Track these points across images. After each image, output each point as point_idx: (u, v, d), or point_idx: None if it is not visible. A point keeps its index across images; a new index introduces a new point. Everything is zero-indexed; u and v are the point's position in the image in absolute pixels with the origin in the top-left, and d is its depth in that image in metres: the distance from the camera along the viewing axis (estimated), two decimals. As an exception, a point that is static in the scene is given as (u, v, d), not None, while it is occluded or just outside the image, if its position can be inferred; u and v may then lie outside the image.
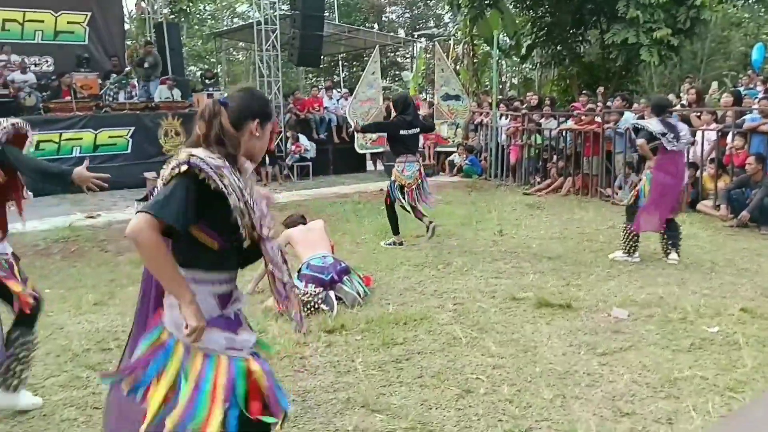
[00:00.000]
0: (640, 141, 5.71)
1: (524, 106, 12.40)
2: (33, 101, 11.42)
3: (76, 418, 3.02)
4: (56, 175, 3.03)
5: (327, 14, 16.77)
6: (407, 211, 6.73)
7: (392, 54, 30.56)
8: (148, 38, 15.31)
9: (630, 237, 5.90)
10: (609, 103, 10.62)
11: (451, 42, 20.71)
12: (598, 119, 10.02)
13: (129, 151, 12.07)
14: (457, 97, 13.85)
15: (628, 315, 4.38)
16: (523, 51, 17.49)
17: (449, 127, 13.96)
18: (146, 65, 13.40)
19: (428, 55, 22.05)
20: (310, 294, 4.47)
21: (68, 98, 11.65)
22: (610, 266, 5.77)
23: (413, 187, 6.59)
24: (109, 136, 11.79)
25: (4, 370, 3.02)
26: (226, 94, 2.15)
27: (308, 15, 13.76)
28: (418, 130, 6.77)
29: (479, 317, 4.38)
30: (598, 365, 3.56)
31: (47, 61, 14.02)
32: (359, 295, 4.70)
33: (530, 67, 21.99)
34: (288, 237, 4.99)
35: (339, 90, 17.19)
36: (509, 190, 11.21)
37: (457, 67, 18.08)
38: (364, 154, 14.71)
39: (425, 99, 16.54)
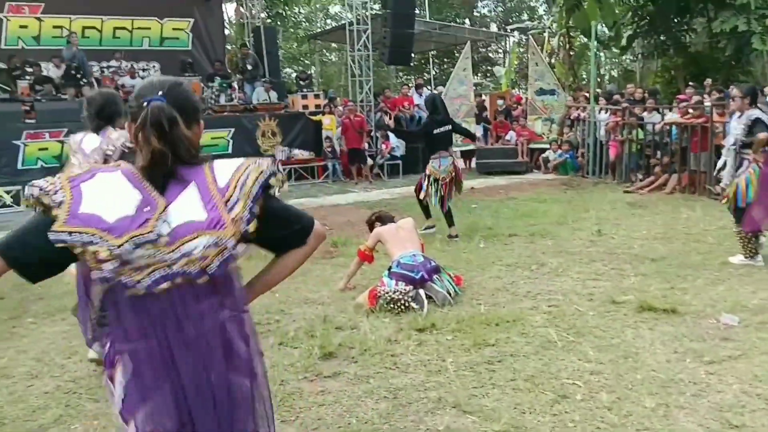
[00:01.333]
0: (764, 135, 5.29)
1: (624, 99, 11.86)
2: (142, 105, 12.17)
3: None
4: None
5: (418, 12, 16.77)
6: (428, 205, 7.20)
7: (484, 49, 30.17)
8: (245, 42, 15.94)
9: (746, 239, 5.49)
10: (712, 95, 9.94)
11: (546, 35, 20.15)
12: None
13: (229, 151, 12.63)
14: (552, 92, 13.47)
15: (738, 321, 4.08)
16: (624, 42, 16.73)
17: (543, 123, 13.58)
18: (249, 67, 13.97)
19: (521, 49, 21.58)
20: (401, 292, 4.48)
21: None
22: (719, 269, 5.40)
23: (447, 180, 6.96)
24: (211, 137, 12.38)
25: None
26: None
27: (399, 13, 13.83)
28: (449, 127, 7.16)
29: (576, 320, 4.22)
30: (705, 374, 3.34)
31: (154, 66, 14.93)
32: (450, 294, 4.66)
33: (631, 58, 21.04)
34: (378, 235, 5.03)
35: (429, 87, 17.16)
36: (608, 187, 10.75)
37: (552, 60, 17.60)
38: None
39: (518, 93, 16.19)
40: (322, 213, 9.05)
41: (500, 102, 15.43)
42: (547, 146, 13.29)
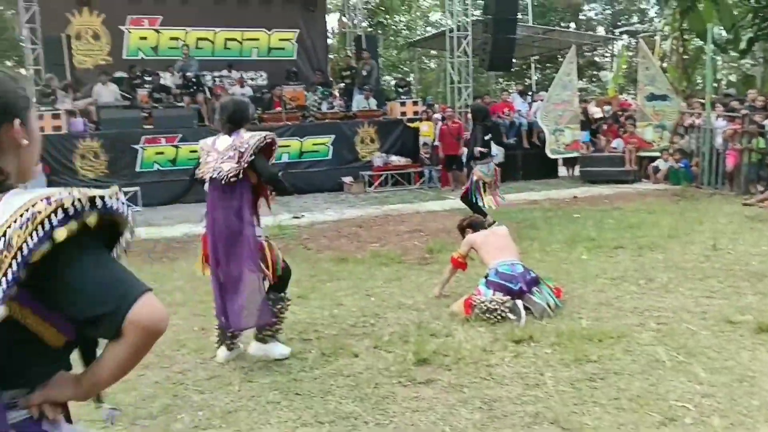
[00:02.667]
0: None
1: (744, 106, 11.03)
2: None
3: (279, 401, 3.27)
4: (278, 183, 3.86)
5: (520, 17, 16.47)
6: (480, 205, 7.57)
7: (590, 53, 29.11)
8: (348, 52, 16.31)
9: None
10: None
11: (657, 38, 19.14)
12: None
13: (330, 157, 12.96)
14: (664, 97, 12.77)
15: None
16: (743, 45, 15.58)
17: (654, 130, 12.89)
18: (364, 73, 14.30)
19: (630, 53, 20.64)
20: (497, 302, 4.38)
21: (279, 109, 12.84)
22: None
23: (490, 181, 7.68)
24: (313, 144, 12.76)
25: (262, 325, 3.75)
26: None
27: (501, 19, 13.65)
28: (490, 135, 7.88)
29: (686, 340, 3.95)
30: (838, 406, 3.02)
31: (261, 76, 15.61)
32: (549, 307, 4.50)
33: (751, 63, 19.56)
34: (471, 242, 4.95)
35: (530, 93, 16.79)
36: (725, 199, 10.03)
37: (664, 64, 16.67)
38: (556, 159, 14.16)
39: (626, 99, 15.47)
40: (418, 219, 9.07)
41: (607, 108, 14.83)
42: (658, 154, 12.61)
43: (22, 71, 17.40)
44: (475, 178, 7.61)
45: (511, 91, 17.24)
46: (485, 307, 4.35)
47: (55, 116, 11.28)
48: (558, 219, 8.56)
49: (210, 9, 15.01)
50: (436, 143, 13.03)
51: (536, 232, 7.68)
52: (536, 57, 23.11)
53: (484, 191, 7.60)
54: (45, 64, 13.66)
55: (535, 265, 5.45)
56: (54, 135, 11.19)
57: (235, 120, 3.76)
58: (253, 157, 3.58)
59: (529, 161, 13.96)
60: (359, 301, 5.06)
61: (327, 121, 13.31)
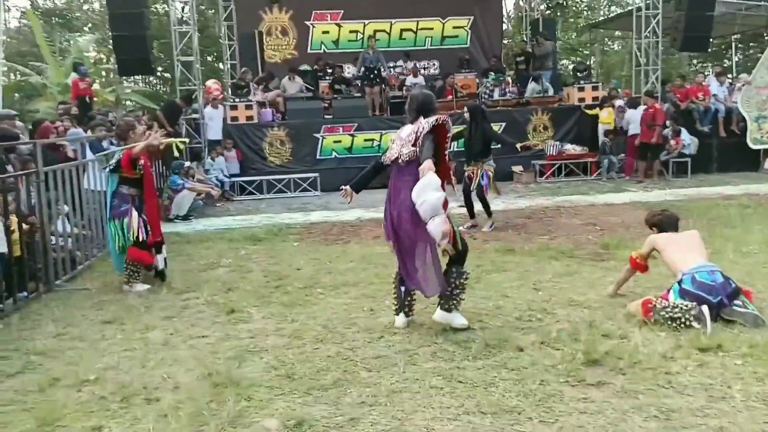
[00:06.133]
0: None
1: None
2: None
3: (442, 387, 3.30)
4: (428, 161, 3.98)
5: (719, -9, 14.82)
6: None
7: (805, 30, 25.38)
8: (523, 37, 15.88)
9: None
10: None
11: None
12: None
13: (499, 145, 12.71)
14: None
15: None
16: None
17: None
18: (540, 57, 13.96)
19: None
20: (681, 309, 4.00)
21: (450, 97, 12.88)
22: None
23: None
24: (484, 131, 12.61)
25: (448, 296, 4.08)
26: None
27: (697, -5, 12.42)
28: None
29: None
30: None
31: (434, 65, 15.79)
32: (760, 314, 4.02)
33: None
34: (653, 243, 4.54)
35: (729, 76, 15.08)
36: None
37: None
38: (758, 151, 12.59)
39: None
40: (593, 212, 8.61)
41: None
42: None
43: (221, 65, 19.32)
44: (490, 173, 7.73)
45: (706, 73, 15.62)
46: (667, 315, 4.01)
47: (248, 107, 12.40)
48: (758, 217, 7.63)
49: (387, 1, 15.46)
50: (632, 130, 12.07)
51: (731, 230, 6.91)
52: (737, 36, 20.72)
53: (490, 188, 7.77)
54: (240, 58, 15.06)
55: (729, 268, 4.90)
56: (247, 124, 12.32)
57: (422, 110, 4.09)
58: (424, 135, 3.92)
59: (726, 151, 12.58)
60: (526, 294, 4.94)
61: (499, 108, 13.10)
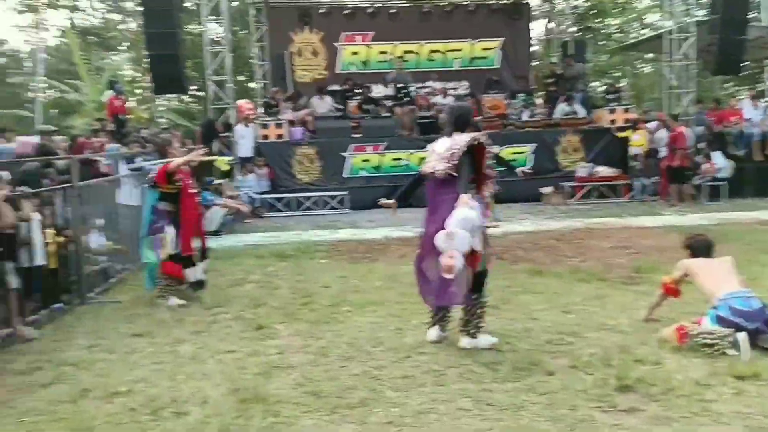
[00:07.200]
0: None
1: None
2: (449, 122, 13.02)
3: (470, 409, 3.26)
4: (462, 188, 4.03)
5: (752, 15, 14.66)
6: None
7: (843, 53, 24.85)
8: (553, 59, 15.86)
9: None
10: None
11: None
12: None
13: (528, 166, 12.67)
14: None
15: None
16: None
17: None
18: (569, 77, 13.91)
19: None
20: (717, 335, 3.89)
21: (478, 118, 12.86)
22: None
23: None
24: (512, 152, 12.56)
25: (467, 320, 4.12)
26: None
27: (729, 19, 12.33)
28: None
29: None
30: None
31: (463, 85, 15.79)
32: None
33: None
34: (685, 268, 4.45)
35: (764, 100, 14.82)
36: None
37: None
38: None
39: None
40: (625, 235, 8.48)
41: None
42: None
43: (252, 85, 19.63)
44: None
45: (740, 97, 15.38)
46: (702, 341, 3.91)
47: (278, 125, 12.58)
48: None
49: (417, 23, 15.66)
50: (662, 153, 11.97)
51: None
52: (773, 58, 20.36)
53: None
54: (271, 78, 15.29)
55: (766, 295, 4.78)
56: (277, 142, 12.47)
57: (458, 123, 4.21)
58: (460, 155, 3.98)
59: (762, 176, 12.33)
60: (555, 317, 4.87)
61: (527, 129, 13.05)
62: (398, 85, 13.56)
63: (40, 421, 3.27)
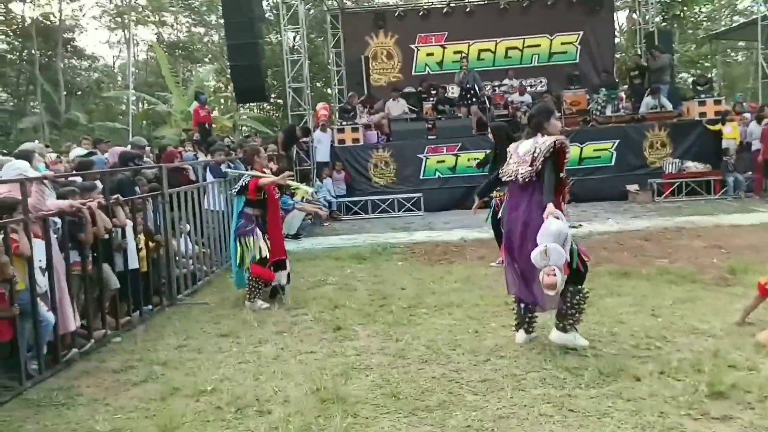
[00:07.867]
0: None
1: None
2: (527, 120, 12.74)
3: (552, 415, 3.17)
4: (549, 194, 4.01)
5: None
6: None
7: None
8: (637, 50, 15.23)
9: None
10: None
11: None
12: None
13: (612, 163, 12.23)
14: None
15: None
16: None
17: None
18: (654, 69, 13.39)
19: None
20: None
21: (557, 115, 12.52)
22: None
23: None
24: (594, 150, 12.18)
25: (563, 314, 4.01)
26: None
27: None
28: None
29: None
30: None
31: (541, 82, 15.47)
32: None
33: None
34: None
35: None
36: None
37: None
38: None
39: None
40: (717, 234, 8.02)
41: None
42: None
43: (329, 90, 20.01)
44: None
45: None
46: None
47: (354, 129, 12.73)
48: None
49: (492, 20, 15.45)
50: (755, 146, 11.26)
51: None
52: None
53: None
54: (347, 83, 15.52)
55: None
56: (353, 146, 12.64)
57: (534, 125, 4.14)
58: (543, 160, 3.94)
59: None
60: (643, 320, 4.66)
61: (611, 125, 12.58)
62: (467, 86, 13.40)
63: (132, 417, 3.45)
